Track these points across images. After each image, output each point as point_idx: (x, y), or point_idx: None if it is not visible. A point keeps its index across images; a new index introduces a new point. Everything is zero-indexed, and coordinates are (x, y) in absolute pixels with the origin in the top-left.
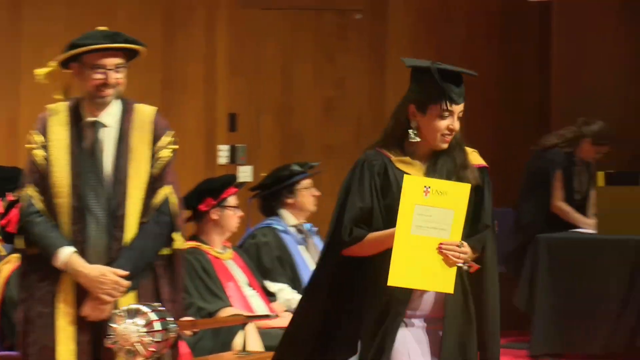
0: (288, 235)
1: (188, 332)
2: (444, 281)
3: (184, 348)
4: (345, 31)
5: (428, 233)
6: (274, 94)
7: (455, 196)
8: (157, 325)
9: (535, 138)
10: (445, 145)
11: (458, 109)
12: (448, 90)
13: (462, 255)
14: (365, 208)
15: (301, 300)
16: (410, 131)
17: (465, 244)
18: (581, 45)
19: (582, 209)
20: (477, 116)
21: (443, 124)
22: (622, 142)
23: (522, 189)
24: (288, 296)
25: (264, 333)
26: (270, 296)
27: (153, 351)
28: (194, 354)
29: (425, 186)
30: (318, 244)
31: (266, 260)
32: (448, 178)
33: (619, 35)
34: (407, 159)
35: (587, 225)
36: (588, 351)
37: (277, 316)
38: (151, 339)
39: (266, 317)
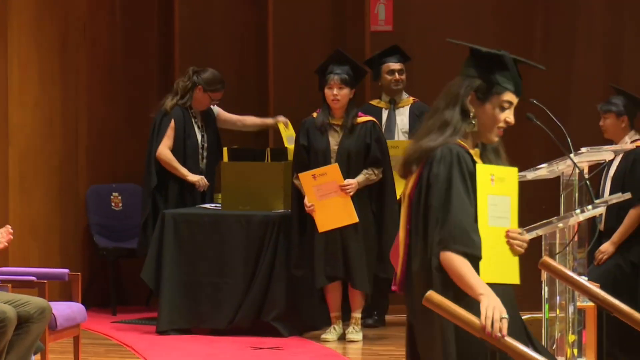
0: None
1: None
2: (511, 272)
3: None
4: None
5: (499, 223)
6: None
7: (509, 182)
8: None
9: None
10: (496, 139)
11: (516, 101)
12: (517, 81)
13: (524, 244)
14: (473, 212)
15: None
16: (473, 120)
17: (524, 231)
18: (203, 24)
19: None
20: (96, 90)
21: (502, 115)
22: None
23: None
24: None
25: None
26: None
27: None
28: None
29: (491, 174)
30: None
31: None
32: None
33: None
34: (478, 151)
35: (190, 177)
36: (214, 326)
37: None
38: None
39: None
